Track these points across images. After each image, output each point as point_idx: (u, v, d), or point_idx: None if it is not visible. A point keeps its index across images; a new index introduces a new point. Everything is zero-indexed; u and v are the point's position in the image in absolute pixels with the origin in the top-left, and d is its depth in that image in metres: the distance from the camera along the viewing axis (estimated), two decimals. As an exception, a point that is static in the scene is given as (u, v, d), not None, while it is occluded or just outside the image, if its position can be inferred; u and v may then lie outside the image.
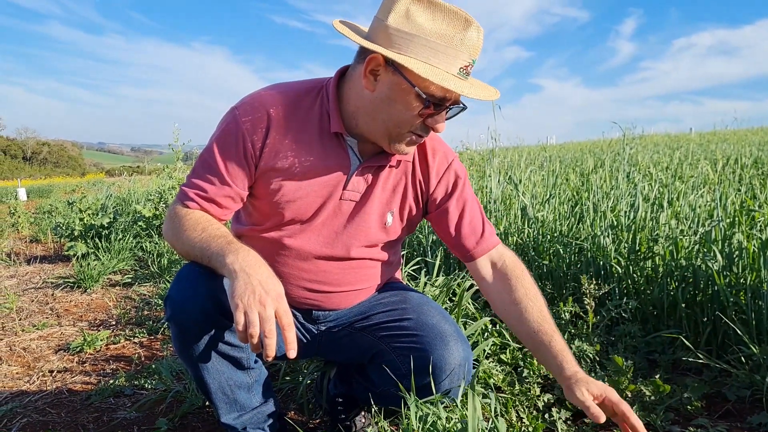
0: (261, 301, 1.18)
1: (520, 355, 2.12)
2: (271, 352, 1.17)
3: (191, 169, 1.49)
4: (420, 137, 1.40)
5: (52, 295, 4.04)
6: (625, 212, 3.01)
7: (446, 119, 1.38)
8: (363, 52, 1.34)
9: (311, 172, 1.44)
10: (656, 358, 2.20)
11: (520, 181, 4.01)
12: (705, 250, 2.46)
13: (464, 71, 1.29)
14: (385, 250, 1.63)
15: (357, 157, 1.48)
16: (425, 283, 2.54)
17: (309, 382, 2.08)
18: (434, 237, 3.43)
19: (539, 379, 1.99)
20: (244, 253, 1.26)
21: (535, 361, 2.04)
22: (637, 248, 2.67)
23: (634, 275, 2.61)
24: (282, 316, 1.20)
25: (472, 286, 2.36)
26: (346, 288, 1.59)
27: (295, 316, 1.62)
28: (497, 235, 1.61)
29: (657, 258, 2.57)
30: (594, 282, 2.23)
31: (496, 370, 2.00)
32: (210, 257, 1.30)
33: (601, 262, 2.73)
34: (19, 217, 8.56)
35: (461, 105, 1.37)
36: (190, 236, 1.36)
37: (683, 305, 2.32)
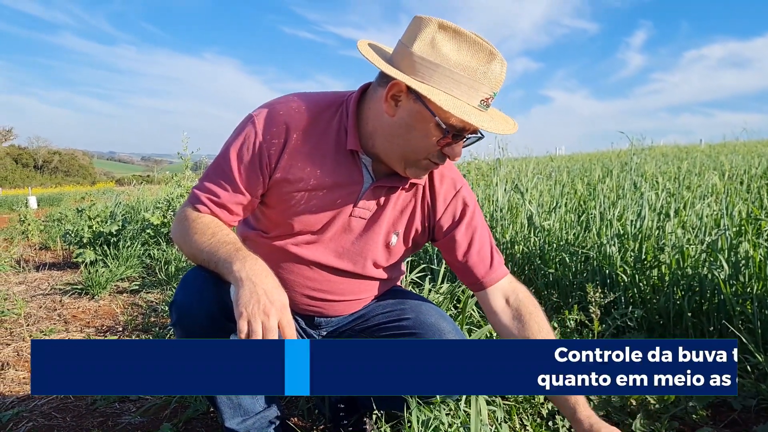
0: (265, 311, 1.18)
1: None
2: None
3: (204, 171, 1.49)
4: (435, 165, 1.40)
5: (60, 301, 4.06)
6: (632, 221, 3.00)
7: (463, 147, 1.39)
8: (386, 77, 1.34)
9: (323, 186, 1.44)
10: (662, 367, 2.19)
11: (527, 190, 4.01)
12: (711, 259, 2.46)
13: (485, 103, 1.29)
14: (389, 266, 1.64)
15: (370, 175, 1.47)
16: (429, 290, 2.54)
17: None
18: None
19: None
20: (252, 262, 1.26)
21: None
22: (644, 257, 2.66)
23: (640, 284, 2.60)
24: (285, 327, 1.20)
25: (476, 293, 2.36)
26: (349, 297, 1.60)
27: (297, 321, 1.62)
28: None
29: (663, 267, 2.56)
30: (600, 290, 2.23)
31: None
32: (217, 263, 1.30)
33: (607, 271, 2.73)
34: (29, 224, 8.61)
35: (478, 134, 1.37)
36: (199, 240, 1.36)
37: (689, 314, 2.31)
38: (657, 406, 1.83)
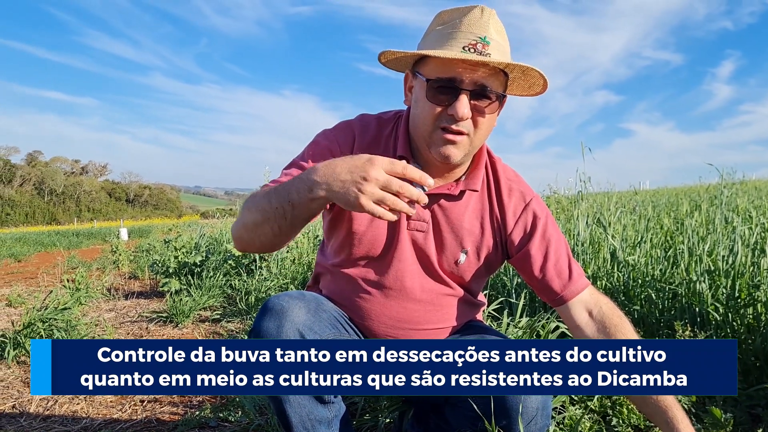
0: (364, 177, 1.13)
1: (609, 403, 2.02)
2: (414, 193, 1.15)
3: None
4: (450, 131, 1.34)
5: (147, 328, 4.21)
6: (723, 257, 2.85)
7: (485, 112, 1.35)
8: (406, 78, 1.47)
9: None
10: (759, 413, 2.04)
11: (610, 224, 3.89)
12: (813, 298, 2.30)
13: (472, 48, 1.28)
14: (463, 289, 1.60)
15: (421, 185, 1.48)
16: (508, 324, 2.49)
17: (388, 421, 2.06)
18: (519, 279, 3.36)
19: (629, 429, 1.89)
20: (322, 164, 1.22)
21: (624, 410, 1.94)
22: (737, 294, 2.52)
23: (734, 323, 2.45)
24: (389, 165, 1.14)
25: (557, 327, 2.29)
26: (426, 326, 1.57)
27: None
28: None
29: (759, 305, 2.41)
30: (689, 329, 2.12)
31: (584, 418, 1.91)
32: (290, 193, 1.25)
33: (697, 309, 2.59)
34: (120, 255, 9.04)
35: (490, 91, 1.33)
36: (265, 196, 1.32)
37: (790, 356, 2.16)
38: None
